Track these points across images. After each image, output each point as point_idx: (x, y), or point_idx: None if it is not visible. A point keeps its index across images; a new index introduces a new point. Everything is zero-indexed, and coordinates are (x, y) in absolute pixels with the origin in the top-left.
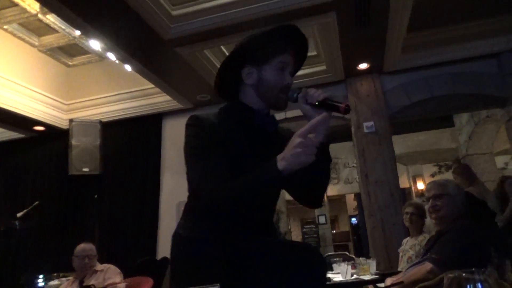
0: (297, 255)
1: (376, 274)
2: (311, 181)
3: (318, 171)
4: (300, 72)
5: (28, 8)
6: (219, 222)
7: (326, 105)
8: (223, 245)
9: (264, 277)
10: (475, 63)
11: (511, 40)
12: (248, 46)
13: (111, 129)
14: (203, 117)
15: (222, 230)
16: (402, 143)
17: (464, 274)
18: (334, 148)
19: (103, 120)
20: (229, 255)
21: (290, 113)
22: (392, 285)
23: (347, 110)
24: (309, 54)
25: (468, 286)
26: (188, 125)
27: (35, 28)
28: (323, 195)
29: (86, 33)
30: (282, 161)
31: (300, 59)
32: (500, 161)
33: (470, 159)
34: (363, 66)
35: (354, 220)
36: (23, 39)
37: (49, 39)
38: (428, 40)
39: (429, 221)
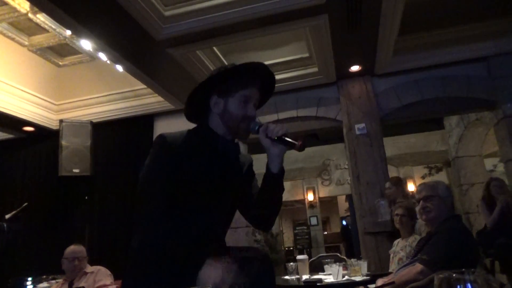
0: (245, 268)
1: (367, 275)
2: (263, 208)
3: (271, 200)
4: (292, 74)
5: (18, 7)
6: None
7: (283, 141)
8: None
9: None
10: (464, 66)
11: (500, 44)
12: (217, 78)
13: (102, 130)
14: (169, 138)
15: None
16: (393, 145)
17: (454, 275)
18: (326, 150)
19: (94, 121)
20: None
21: (282, 115)
22: (384, 285)
23: (302, 148)
24: (301, 56)
25: (458, 287)
26: (154, 143)
27: (25, 27)
28: (274, 221)
29: (77, 33)
30: None
31: (267, 92)
32: (489, 163)
33: (460, 161)
34: (354, 68)
35: (344, 222)
36: (12, 39)
37: (39, 39)
38: (419, 43)
39: (420, 222)
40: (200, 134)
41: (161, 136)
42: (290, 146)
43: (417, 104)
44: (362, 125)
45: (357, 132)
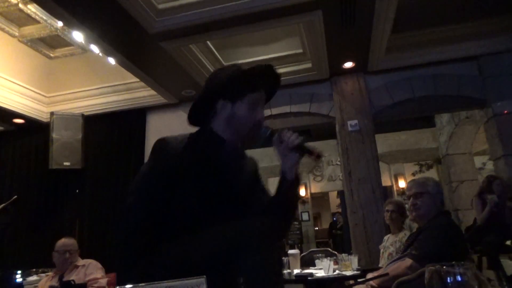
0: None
1: (357, 269)
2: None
3: (285, 208)
4: (286, 70)
5: None
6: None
7: (301, 149)
8: None
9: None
10: (455, 65)
11: (491, 44)
12: (225, 82)
13: (94, 123)
14: (170, 143)
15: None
16: (384, 142)
17: (444, 267)
18: (319, 146)
19: (85, 114)
20: None
21: (275, 110)
22: (376, 277)
23: (319, 157)
24: (295, 51)
25: (448, 279)
26: (153, 149)
27: (16, 18)
28: (287, 232)
29: (69, 24)
30: None
31: (272, 93)
32: (478, 161)
33: (450, 158)
34: (348, 65)
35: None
36: (2, 29)
37: (30, 30)
38: (411, 42)
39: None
40: (203, 139)
41: (162, 142)
42: (308, 154)
43: (409, 102)
44: (355, 121)
45: (350, 129)
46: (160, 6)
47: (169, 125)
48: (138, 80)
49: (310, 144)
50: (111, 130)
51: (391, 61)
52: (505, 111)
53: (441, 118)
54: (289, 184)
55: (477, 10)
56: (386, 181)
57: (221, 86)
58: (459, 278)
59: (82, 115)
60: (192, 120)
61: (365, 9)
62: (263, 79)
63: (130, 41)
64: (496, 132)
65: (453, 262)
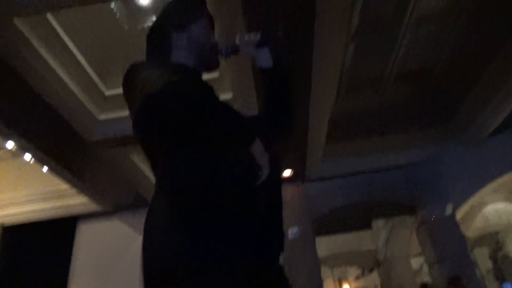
0: None
1: None
2: (277, 108)
3: (281, 95)
4: None
5: None
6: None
7: (266, 38)
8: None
9: None
10: (386, 173)
11: (415, 154)
12: (174, 11)
13: (15, 233)
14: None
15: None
16: (326, 245)
17: None
18: None
19: (5, 224)
20: None
21: None
22: None
23: (282, 34)
24: None
25: None
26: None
27: None
28: (292, 117)
29: (2, 134)
30: None
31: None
32: (416, 263)
33: (388, 262)
34: (286, 173)
35: None
36: None
37: None
38: (345, 151)
39: None
40: (180, 68)
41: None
42: (273, 38)
43: (346, 208)
44: (295, 229)
45: (290, 237)
46: (101, 117)
47: (103, 235)
48: (69, 186)
49: None
50: (35, 241)
51: (327, 169)
52: (433, 217)
53: (377, 222)
54: (273, 70)
55: (404, 124)
56: (329, 286)
57: (173, 16)
58: None
59: (2, 225)
60: (152, 56)
61: (300, 122)
62: (204, 4)
63: (67, 149)
64: (427, 238)
65: None
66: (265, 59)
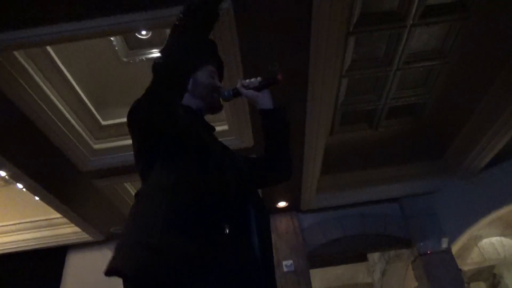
0: None
1: None
2: (277, 152)
3: (280, 138)
4: None
5: None
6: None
7: (266, 83)
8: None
9: None
10: (381, 205)
11: (410, 187)
12: (184, 56)
13: (4, 262)
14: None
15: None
16: (321, 277)
17: None
18: None
19: None
20: None
21: None
22: None
23: (282, 77)
24: None
25: None
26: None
27: None
28: (291, 163)
29: None
30: None
31: (220, 73)
32: None
33: None
34: (281, 204)
35: None
36: None
37: None
38: (340, 183)
39: None
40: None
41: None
42: (274, 83)
43: (341, 240)
44: (290, 261)
45: (285, 269)
46: (96, 146)
47: (93, 264)
48: (61, 215)
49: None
50: (23, 272)
51: (322, 201)
52: (429, 251)
53: (373, 255)
54: (274, 111)
55: (398, 157)
56: None
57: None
58: None
59: None
60: None
61: (295, 154)
62: (213, 53)
63: (60, 179)
64: (423, 272)
65: None
66: (265, 101)
